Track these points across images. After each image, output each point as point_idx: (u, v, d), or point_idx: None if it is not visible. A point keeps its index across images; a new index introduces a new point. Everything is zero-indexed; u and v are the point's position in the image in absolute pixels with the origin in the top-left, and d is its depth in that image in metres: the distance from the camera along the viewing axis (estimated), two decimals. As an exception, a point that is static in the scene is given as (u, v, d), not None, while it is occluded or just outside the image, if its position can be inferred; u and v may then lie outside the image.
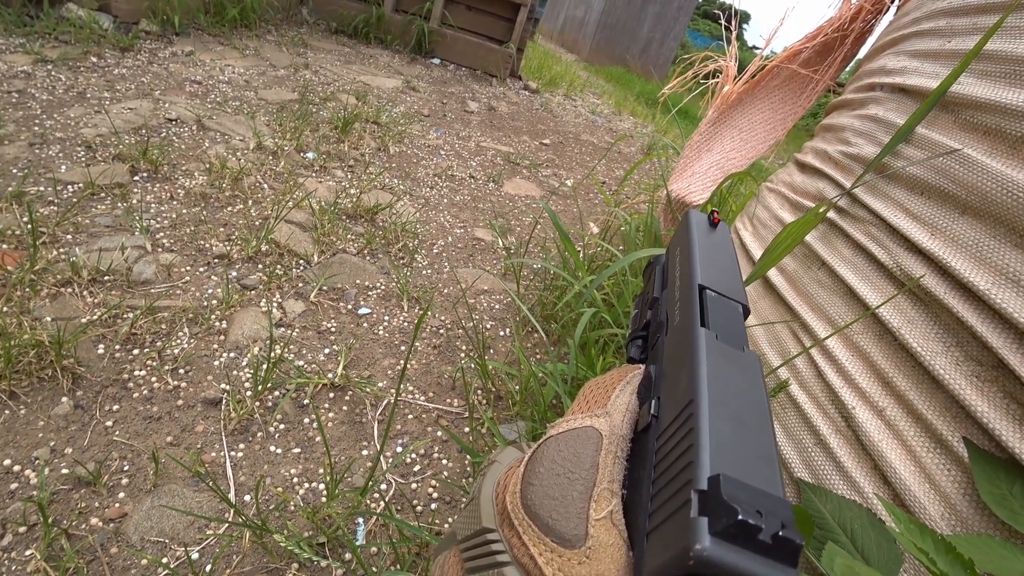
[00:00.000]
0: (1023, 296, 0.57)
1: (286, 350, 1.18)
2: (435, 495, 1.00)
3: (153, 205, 1.48)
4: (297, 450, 1.00)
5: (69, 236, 1.28)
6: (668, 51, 10.44)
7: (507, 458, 0.37)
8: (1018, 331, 0.57)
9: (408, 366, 1.26)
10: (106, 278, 1.21)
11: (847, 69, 1.34)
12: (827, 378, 0.73)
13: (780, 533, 0.19)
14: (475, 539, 0.32)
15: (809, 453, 0.72)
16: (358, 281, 1.47)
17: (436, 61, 4.01)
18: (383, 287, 1.48)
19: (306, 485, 0.95)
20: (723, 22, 1.49)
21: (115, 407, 0.98)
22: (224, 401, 1.04)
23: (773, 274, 0.90)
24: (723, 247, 0.43)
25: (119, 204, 1.43)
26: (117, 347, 1.07)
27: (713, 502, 0.20)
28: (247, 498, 0.90)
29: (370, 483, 0.89)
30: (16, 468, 0.86)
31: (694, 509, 0.21)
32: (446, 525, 0.96)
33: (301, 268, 1.44)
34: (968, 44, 0.74)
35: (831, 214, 0.83)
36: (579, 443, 0.31)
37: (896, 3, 1.18)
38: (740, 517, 0.19)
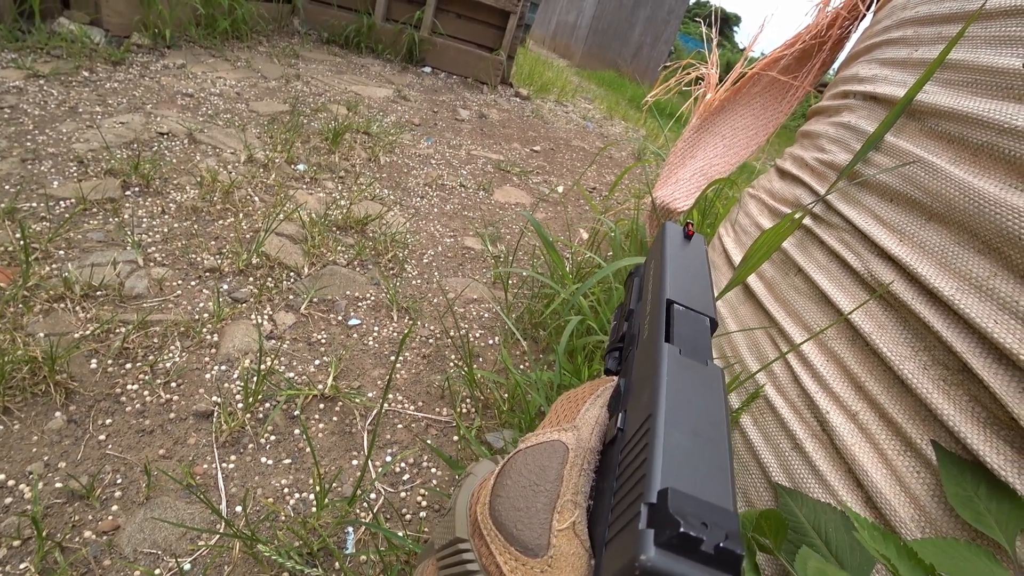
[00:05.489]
0: (986, 302, 0.59)
1: (277, 362, 1.19)
2: (424, 504, 1.01)
3: (145, 219, 1.49)
4: (288, 461, 1.01)
5: (61, 252, 1.29)
6: (659, 55, 10.47)
7: (482, 470, 0.38)
8: (982, 336, 0.58)
9: (398, 376, 1.27)
10: (98, 293, 1.22)
11: (829, 72, 1.36)
12: (802, 383, 0.74)
13: (722, 544, 0.20)
14: (449, 549, 0.33)
15: (786, 457, 0.73)
16: (348, 292, 1.48)
17: (427, 70, 4.03)
18: (373, 298, 1.49)
19: (296, 495, 0.96)
20: (704, 29, 1.51)
21: (108, 421, 0.99)
22: (215, 413, 1.05)
23: (752, 280, 0.92)
24: (696, 259, 0.44)
25: (111, 219, 1.45)
26: (110, 362, 1.08)
27: (660, 515, 0.22)
28: (238, 509, 0.91)
29: (358, 493, 0.90)
30: (10, 483, 0.87)
31: (642, 521, 0.22)
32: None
33: (292, 280, 1.45)
34: (933, 53, 0.76)
35: (807, 221, 0.85)
36: (545, 456, 0.32)
37: (872, 10, 1.20)
38: (682, 529, 0.20)
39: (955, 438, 0.59)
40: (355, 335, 1.35)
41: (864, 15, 1.20)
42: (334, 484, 0.96)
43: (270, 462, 1.00)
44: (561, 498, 0.30)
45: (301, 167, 2.04)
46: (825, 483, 0.67)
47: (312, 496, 0.96)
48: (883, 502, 0.62)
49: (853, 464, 0.65)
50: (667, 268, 0.41)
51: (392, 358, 1.31)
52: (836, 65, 1.32)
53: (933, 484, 0.60)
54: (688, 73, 1.45)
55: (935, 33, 0.78)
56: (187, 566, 0.82)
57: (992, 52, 0.67)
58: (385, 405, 1.18)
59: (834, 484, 0.66)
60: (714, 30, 1.41)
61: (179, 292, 1.30)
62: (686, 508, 0.22)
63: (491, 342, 1.47)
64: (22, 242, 1.23)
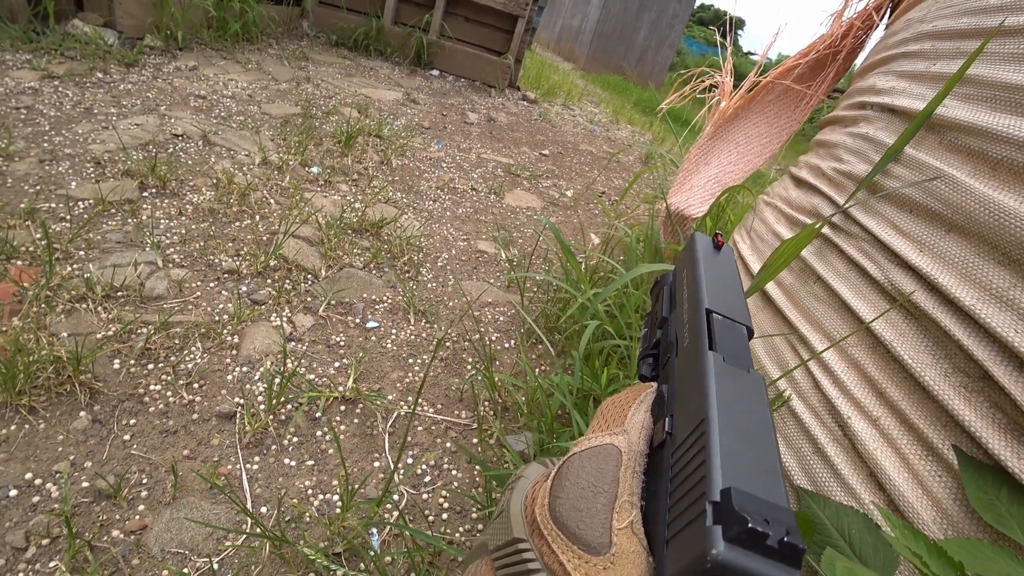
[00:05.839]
0: (1007, 312, 0.60)
1: (297, 364, 1.21)
2: (445, 505, 1.02)
3: (163, 221, 1.50)
4: (311, 462, 1.03)
5: (82, 252, 1.31)
6: (664, 59, 10.48)
7: (533, 473, 0.40)
8: (1002, 345, 0.60)
9: (416, 379, 1.28)
10: (119, 294, 1.23)
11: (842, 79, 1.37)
12: (824, 389, 0.76)
13: (785, 539, 0.22)
14: (507, 549, 0.34)
15: (808, 461, 0.75)
16: (365, 295, 1.50)
17: (435, 72, 4.04)
18: (390, 301, 1.51)
19: (320, 497, 0.97)
20: (718, 37, 1.53)
21: (132, 421, 1.01)
22: (238, 415, 1.07)
23: (771, 287, 0.94)
24: (727, 270, 0.45)
25: (129, 220, 1.46)
26: (132, 362, 1.10)
27: (725, 512, 0.23)
28: (263, 510, 0.93)
29: (385, 493, 0.92)
30: (37, 482, 0.88)
31: (709, 518, 0.23)
32: (457, 535, 0.98)
33: (309, 283, 1.47)
34: (952, 68, 0.77)
35: (825, 230, 0.87)
36: (601, 459, 0.34)
37: (885, 21, 1.21)
38: (750, 525, 0.22)
39: (976, 443, 0.61)
40: (373, 338, 1.37)
41: (877, 25, 1.22)
42: (360, 486, 0.97)
43: (293, 463, 1.02)
44: (619, 499, 0.32)
45: (315, 170, 2.06)
46: (847, 486, 0.69)
47: (336, 497, 0.98)
48: (906, 505, 0.63)
49: (875, 468, 0.67)
50: (702, 278, 0.42)
51: (411, 360, 1.33)
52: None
53: (955, 488, 0.61)
54: (702, 81, 1.47)
55: (953, 48, 0.80)
56: (214, 566, 0.84)
57: (1010, 69, 0.69)
58: (409, 408, 1.19)
59: (856, 487, 0.68)
60: (728, 39, 1.43)
61: (198, 293, 1.31)
62: (749, 506, 0.23)
63: (507, 345, 1.49)
64: (44, 242, 1.24)
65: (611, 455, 0.34)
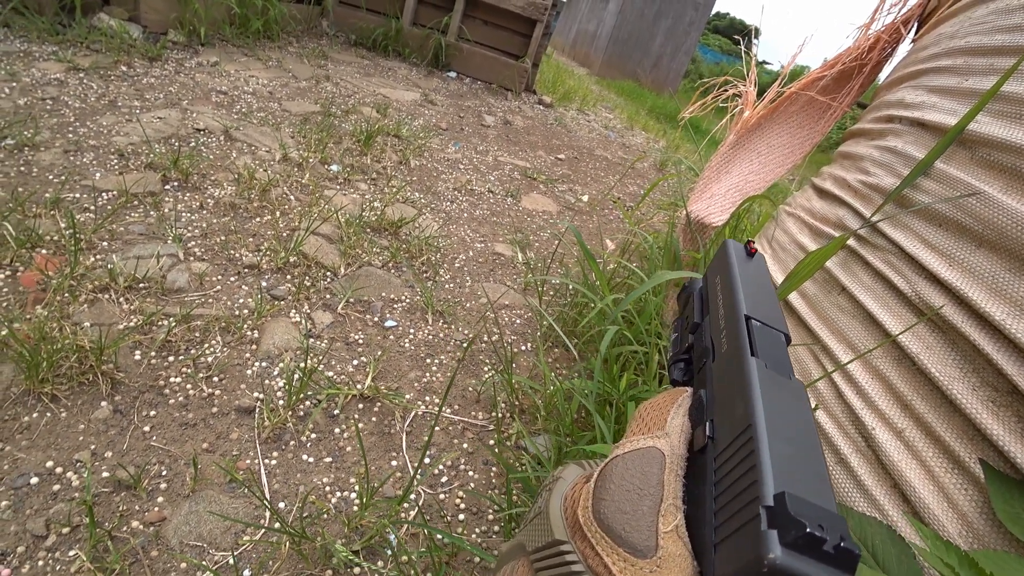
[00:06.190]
0: (1038, 328, 0.60)
1: (316, 361, 1.21)
2: (462, 506, 1.03)
3: (184, 214, 1.52)
4: (328, 459, 1.03)
5: (105, 243, 1.32)
6: (679, 66, 10.48)
7: (571, 475, 0.40)
8: (1033, 361, 0.60)
9: (434, 379, 1.29)
10: (141, 285, 1.24)
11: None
12: (847, 399, 0.76)
13: (841, 544, 0.22)
14: (547, 550, 0.34)
15: (830, 471, 0.74)
16: (384, 294, 1.50)
17: (452, 74, 4.06)
18: (408, 300, 1.52)
19: (338, 494, 0.98)
20: (742, 47, 1.53)
21: (152, 412, 1.02)
22: (258, 410, 1.07)
23: (794, 297, 0.93)
24: (760, 277, 0.45)
25: (151, 212, 1.47)
26: (153, 354, 1.11)
27: (781, 516, 0.23)
28: (281, 505, 0.93)
29: (408, 493, 0.92)
30: (58, 470, 0.89)
31: (764, 523, 0.23)
32: (473, 535, 0.98)
33: (328, 280, 1.47)
34: (984, 84, 0.77)
35: (850, 242, 0.87)
36: (645, 462, 0.34)
37: (912, 34, 1.21)
38: (808, 530, 0.22)
39: (1004, 457, 0.60)
40: (391, 337, 1.37)
41: (904, 38, 1.22)
42: (381, 485, 0.98)
43: (311, 460, 1.02)
44: (664, 502, 0.32)
45: (335, 168, 2.07)
46: (871, 497, 0.69)
47: (353, 495, 0.98)
48: (930, 517, 0.63)
49: (900, 480, 0.66)
50: (738, 284, 0.43)
51: (428, 360, 1.34)
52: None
53: (980, 500, 0.61)
54: (725, 90, 1.47)
55: (987, 64, 0.79)
56: (232, 560, 0.84)
57: (1047, 85, 0.68)
58: (428, 408, 1.20)
59: (880, 499, 0.68)
60: (753, 50, 1.43)
61: (219, 287, 1.32)
62: (803, 510, 0.23)
63: (524, 348, 1.49)
64: (69, 232, 1.26)
65: (655, 458, 0.34)
